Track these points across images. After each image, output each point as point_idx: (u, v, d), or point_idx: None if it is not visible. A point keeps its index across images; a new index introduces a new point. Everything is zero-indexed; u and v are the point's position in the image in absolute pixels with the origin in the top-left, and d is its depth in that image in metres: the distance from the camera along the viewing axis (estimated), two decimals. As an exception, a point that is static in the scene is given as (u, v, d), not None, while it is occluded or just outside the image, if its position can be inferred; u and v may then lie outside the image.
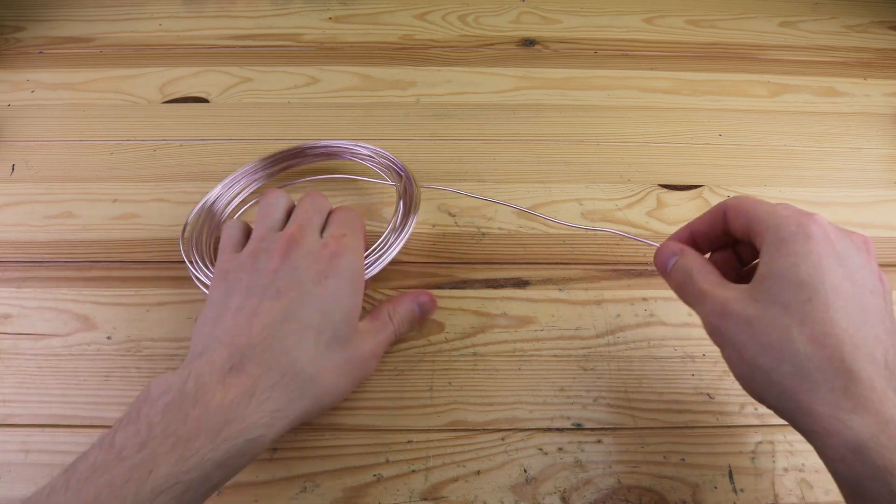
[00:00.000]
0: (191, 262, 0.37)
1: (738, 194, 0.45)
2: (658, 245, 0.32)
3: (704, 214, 0.32)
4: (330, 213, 0.35)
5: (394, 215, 0.39)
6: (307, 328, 0.29)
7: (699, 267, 0.29)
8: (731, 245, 0.32)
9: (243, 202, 0.43)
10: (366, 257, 0.36)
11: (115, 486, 0.23)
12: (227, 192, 0.43)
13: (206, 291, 0.35)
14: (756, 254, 0.31)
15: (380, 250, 0.37)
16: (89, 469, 0.23)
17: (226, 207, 0.42)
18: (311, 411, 0.29)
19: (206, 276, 0.37)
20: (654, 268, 0.41)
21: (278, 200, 0.35)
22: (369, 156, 0.44)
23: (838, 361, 0.23)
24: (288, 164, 0.45)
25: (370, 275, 0.35)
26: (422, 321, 0.38)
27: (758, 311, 0.25)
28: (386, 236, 0.37)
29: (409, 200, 0.39)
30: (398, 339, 0.36)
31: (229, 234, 0.34)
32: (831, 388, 0.23)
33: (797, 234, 0.25)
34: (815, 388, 0.23)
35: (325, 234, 0.33)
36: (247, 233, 0.34)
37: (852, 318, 0.24)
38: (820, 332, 0.24)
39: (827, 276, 0.24)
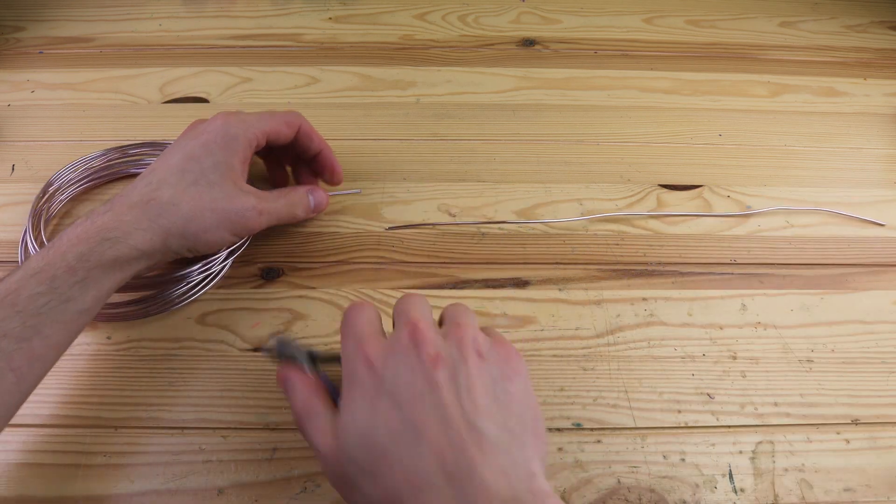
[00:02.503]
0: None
1: (736, 194, 0.45)
2: None
3: None
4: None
5: None
6: (170, 167, 0.34)
7: (307, 412, 0.28)
8: None
9: (77, 198, 0.43)
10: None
11: None
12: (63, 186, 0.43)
13: None
14: None
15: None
16: None
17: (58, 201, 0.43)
18: (174, 233, 0.33)
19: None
20: (653, 267, 0.41)
21: None
22: None
23: None
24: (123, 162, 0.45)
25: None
26: (314, 213, 0.41)
27: (343, 468, 0.25)
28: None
29: None
30: (290, 220, 0.40)
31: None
32: None
33: (352, 380, 0.26)
34: None
35: None
36: None
37: (408, 456, 0.24)
38: (390, 488, 0.24)
39: (372, 422, 0.25)
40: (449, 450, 0.23)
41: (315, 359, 0.32)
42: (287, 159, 0.43)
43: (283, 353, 0.31)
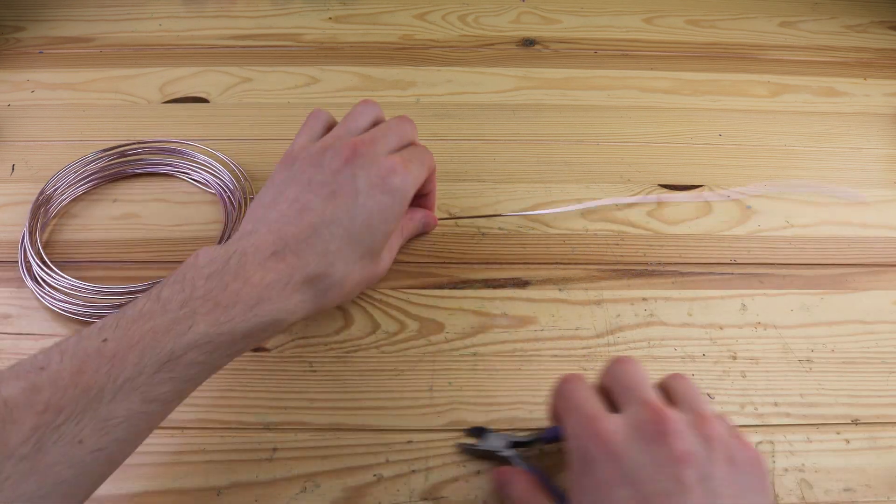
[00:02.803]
0: (26, 266, 0.39)
1: (736, 194, 0.45)
2: None
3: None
4: (411, 144, 0.36)
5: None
6: (349, 236, 0.31)
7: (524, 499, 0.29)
8: None
9: (77, 199, 0.44)
10: None
11: (158, 332, 0.26)
12: (58, 190, 0.43)
13: (45, 301, 0.38)
14: None
15: None
16: (137, 314, 0.26)
17: (56, 205, 0.43)
18: (326, 307, 0.32)
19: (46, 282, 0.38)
20: (653, 267, 0.41)
21: (368, 109, 0.36)
22: (202, 165, 0.45)
23: None
24: (124, 160, 0.45)
25: None
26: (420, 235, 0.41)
27: None
28: None
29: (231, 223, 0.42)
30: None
31: (311, 123, 0.36)
32: None
33: (584, 465, 0.25)
34: None
35: (393, 154, 0.34)
36: (328, 126, 0.37)
37: None
38: None
39: None
40: None
41: (517, 445, 0.32)
42: None
43: (481, 445, 0.32)
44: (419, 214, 0.40)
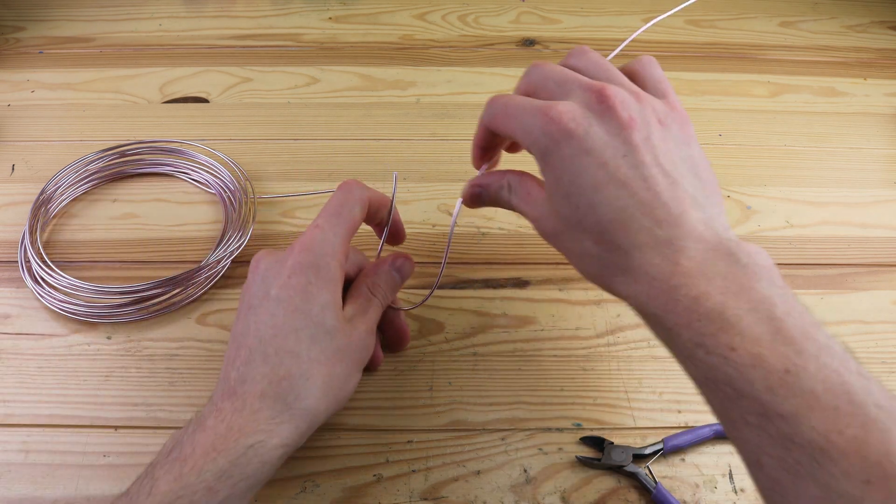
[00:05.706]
0: (26, 264, 0.39)
1: (736, 194, 0.45)
2: None
3: (477, 131, 0.32)
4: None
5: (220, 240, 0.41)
6: (282, 328, 0.28)
7: (509, 186, 0.31)
8: None
9: (77, 199, 0.44)
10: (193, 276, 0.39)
11: None
12: (58, 189, 0.43)
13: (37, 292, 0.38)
14: None
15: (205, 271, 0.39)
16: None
17: (56, 205, 0.43)
18: (319, 410, 0.28)
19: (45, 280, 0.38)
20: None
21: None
22: (202, 165, 0.45)
23: (616, 249, 0.26)
24: (124, 160, 0.45)
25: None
26: (403, 284, 0.35)
27: (556, 226, 0.28)
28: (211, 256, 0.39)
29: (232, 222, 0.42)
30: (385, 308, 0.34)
31: None
32: (617, 270, 0.26)
33: (548, 147, 0.27)
34: (610, 274, 0.27)
35: None
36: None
37: (615, 203, 0.25)
38: (596, 232, 0.26)
39: (575, 178, 0.26)
40: (657, 203, 0.25)
41: (637, 457, 0.33)
42: None
43: (605, 460, 0.33)
44: (386, 266, 0.34)
